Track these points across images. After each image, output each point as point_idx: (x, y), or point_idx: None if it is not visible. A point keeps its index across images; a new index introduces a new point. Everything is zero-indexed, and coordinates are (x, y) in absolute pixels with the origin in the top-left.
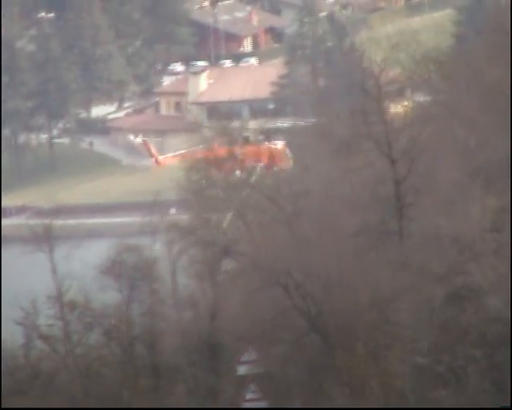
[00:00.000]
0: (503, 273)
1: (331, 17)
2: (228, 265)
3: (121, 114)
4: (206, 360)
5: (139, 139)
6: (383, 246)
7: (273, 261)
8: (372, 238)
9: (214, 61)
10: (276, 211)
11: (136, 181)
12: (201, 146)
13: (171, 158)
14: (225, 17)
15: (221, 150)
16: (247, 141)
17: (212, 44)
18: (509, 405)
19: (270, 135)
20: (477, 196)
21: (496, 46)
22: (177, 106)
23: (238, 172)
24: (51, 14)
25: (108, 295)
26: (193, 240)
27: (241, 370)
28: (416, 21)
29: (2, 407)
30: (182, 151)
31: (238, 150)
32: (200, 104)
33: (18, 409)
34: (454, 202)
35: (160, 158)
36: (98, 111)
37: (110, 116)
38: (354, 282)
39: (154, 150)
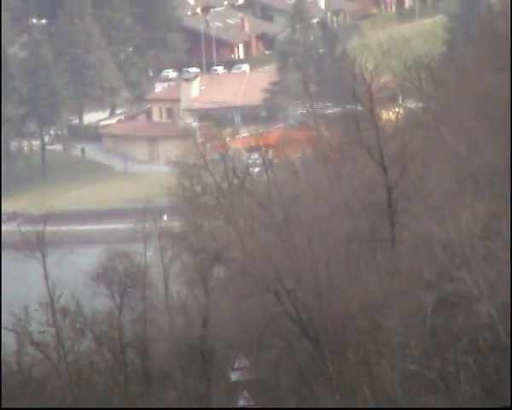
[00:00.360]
0: (493, 279)
1: (323, 24)
2: (220, 271)
3: (113, 120)
4: (197, 367)
5: (196, 124)
6: (374, 252)
7: (264, 268)
8: (363, 244)
9: (206, 68)
10: (266, 217)
11: (128, 188)
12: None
13: (239, 141)
14: (217, 24)
15: (286, 134)
16: (304, 126)
17: (204, 51)
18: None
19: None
20: (467, 203)
21: (487, 52)
22: (169, 112)
23: (295, 156)
24: (43, 21)
25: (100, 302)
26: (185, 246)
27: (233, 376)
28: (407, 28)
29: None
30: (246, 135)
31: (296, 135)
32: (192, 111)
33: None
34: (445, 209)
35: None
36: (90, 118)
37: (102, 123)
38: (345, 288)
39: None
